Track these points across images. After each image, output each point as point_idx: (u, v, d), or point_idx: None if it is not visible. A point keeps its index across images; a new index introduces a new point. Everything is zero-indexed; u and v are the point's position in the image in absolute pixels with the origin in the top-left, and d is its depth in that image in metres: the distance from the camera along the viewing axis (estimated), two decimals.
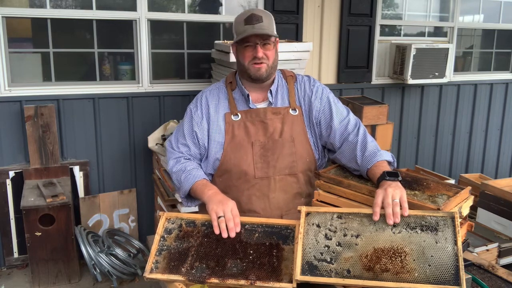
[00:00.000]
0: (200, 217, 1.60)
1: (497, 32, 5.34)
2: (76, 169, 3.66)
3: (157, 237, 1.53)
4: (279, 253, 1.46)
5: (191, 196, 1.84)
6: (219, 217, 1.55)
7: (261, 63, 1.80)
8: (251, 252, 1.46)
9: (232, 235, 1.52)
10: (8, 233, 3.55)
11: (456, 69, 5.08)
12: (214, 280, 1.39)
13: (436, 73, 4.60)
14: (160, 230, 1.55)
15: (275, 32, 1.83)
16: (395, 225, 1.41)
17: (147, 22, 3.70)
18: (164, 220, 1.59)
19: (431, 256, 1.32)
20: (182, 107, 3.85)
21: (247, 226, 1.55)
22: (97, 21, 3.63)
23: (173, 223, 1.58)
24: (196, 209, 2.12)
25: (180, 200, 2.81)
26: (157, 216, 3.69)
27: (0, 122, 3.45)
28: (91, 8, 3.56)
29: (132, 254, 3.58)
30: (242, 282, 1.37)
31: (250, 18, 1.77)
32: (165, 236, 1.54)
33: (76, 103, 3.62)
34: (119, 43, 3.82)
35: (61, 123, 3.59)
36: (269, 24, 1.79)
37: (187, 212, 2.69)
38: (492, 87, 5.26)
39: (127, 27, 3.71)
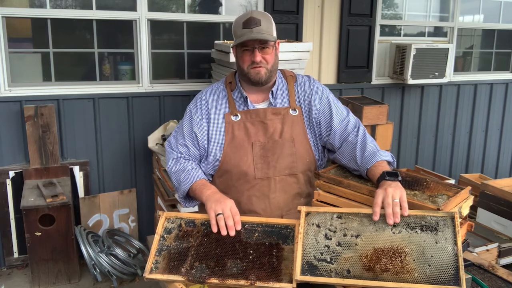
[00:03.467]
0: (199, 216, 1.60)
1: (497, 32, 5.34)
2: (76, 169, 3.66)
3: (156, 237, 1.53)
4: (279, 253, 1.46)
5: (190, 197, 1.84)
6: (217, 215, 1.55)
7: (260, 67, 1.79)
8: (251, 252, 1.46)
9: (232, 233, 1.52)
10: (8, 233, 3.55)
11: (456, 69, 5.08)
12: (214, 280, 1.39)
13: (436, 73, 4.60)
14: (159, 229, 1.55)
15: (275, 35, 1.81)
16: (395, 225, 1.41)
17: (147, 22, 3.70)
18: (164, 220, 1.59)
19: (431, 256, 1.32)
20: (182, 107, 3.85)
21: (246, 225, 1.55)
22: (97, 21, 3.63)
23: (172, 223, 1.58)
24: (196, 209, 2.11)
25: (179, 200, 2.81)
26: (157, 216, 3.69)
27: (0, 122, 3.45)
28: (91, 8, 3.56)
29: (132, 254, 3.58)
30: (242, 282, 1.37)
31: (248, 22, 1.75)
32: (165, 236, 1.54)
33: (76, 103, 3.62)
34: (119, 43, 3.82)
35: (61, 123, 3.59)
36: (267, 28, 1.77)
37: (187, 211, 2.68)
38: (492, 87, 5.26)
39: (127, 27, 3.71)
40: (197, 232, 1.55)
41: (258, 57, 1.77)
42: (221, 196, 1.65)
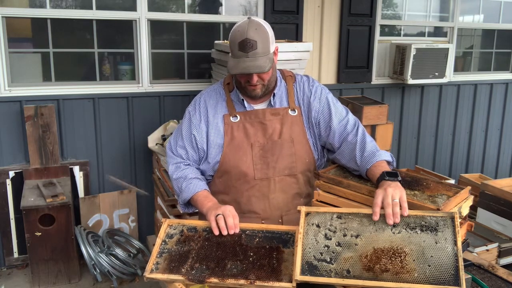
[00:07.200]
0: (201, 223, 1.63)
1: (497, 32, 5.34)
2: (76, 169, 3.66)
3: (158, 241, 1.54)
4: (279, 255, 1.46)
5: (189, 203, 1.85)
6: (217, 216, 1.56)
7: (256, 85, 1.78)
8: (251, 254, 1.47)
9: (232, 232, 1.54)
10: (8, 233, 3.55)
11: (456, 69, 5.08)
12: (213, 280, 1.39)
13: (436, 73, 4.59)
14: (161, 234, 1.57)
15: (272, 48, 1.76)
16: (394, 225, 1.41)
17: (147, 22, 3.70)
18: (166, 226, 1.61)
19: (431, 256, 1.32)
20: (182, 107, 3.85)
21: (247, 231, 1.56)
22: (97, 21, 3.63)
23: (174, 229, 1.60)
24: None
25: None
26: (157, 216, 3.69)
27: (0, 122, 3.45)
28: (91, 8, 3.56)
29: (132, 254, 3.58)
30: (242, 281, 1.37)
31: (244, 45, 1.69)
32: (167, 240, 1.56)
33: (76, 103, 3.62)
34: (119, 43, 3.82)
35: (61, 123, 3.59)
36: (264, 48, 1.70)
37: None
38: (492, 87, 5.26)
39: (127, 27, 3.71)
40: (199, 237, 1.56)
41: (255, 79, 1.75)
42: (221, 205, 1.66)
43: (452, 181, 3.80)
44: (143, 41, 3.70)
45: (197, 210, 1.88)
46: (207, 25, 4.02)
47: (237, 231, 1.56)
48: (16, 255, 3.61)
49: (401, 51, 4.50)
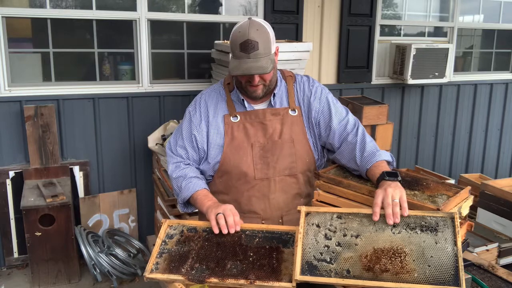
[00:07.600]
0: (201, 224, 1.63)
1: (497, 32, 5.34)
2: (76, 169, 3.66)
3: (158, 241, 1.55)
4: (279, 255, 1.46)
5: (189, 202, 1.85)
6: (217, 215, 1.57)
7: (257, 85, 1.77)
8: (251, 254, 1.47)
9: (232, 230, 1.54)
10: (8, 233, 3.55)
11: (456, 69, 5.08)
12: (213, 280, 1.39)
13: (436, 73, 4.60)
14: (161, 235, 1.57)
15: (273, 48, 1.76)
16: (394, 225, 1.41)
17: (147, 22, 3.70)
18: (166, 227, 1.61)
19: (431, 256, 1.32)
20: (182, 107, 3.85)
21: (247, 232, 1.56)
22: (97, 21, 3.63)
23: (174, 229, 1.61)
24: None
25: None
26: (157, 216, 3.69)
27: (0, 122, 3.45)
28: (91, 8, 3.56)
29: (132, 254, 3.58)
30: (242, 281, 1.37)
31: (246, 46, 1.68)
32: (167, 240, 1.56)
33: (76, 103, 3.62)
34: (119, 43, 3.82)
35: (61, 123, 3.59)
36: (265, 48, 1.70)
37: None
38: (492, 87, 5.26)
39: (127, 27, 3.71)
40: (199, 237, 1.56)
41: (256, 80, 1.75)
42: (221, 204, 1.67)
43: (452, 181, 3.80)
44: (143, 41, 3.70)
45: (196, 210, 1.89)
46: (207, 25, 4.02)
47: (238, 228, 1.55)
48: (16, 255, 3.61)
49: (401, 51, 4.50)
